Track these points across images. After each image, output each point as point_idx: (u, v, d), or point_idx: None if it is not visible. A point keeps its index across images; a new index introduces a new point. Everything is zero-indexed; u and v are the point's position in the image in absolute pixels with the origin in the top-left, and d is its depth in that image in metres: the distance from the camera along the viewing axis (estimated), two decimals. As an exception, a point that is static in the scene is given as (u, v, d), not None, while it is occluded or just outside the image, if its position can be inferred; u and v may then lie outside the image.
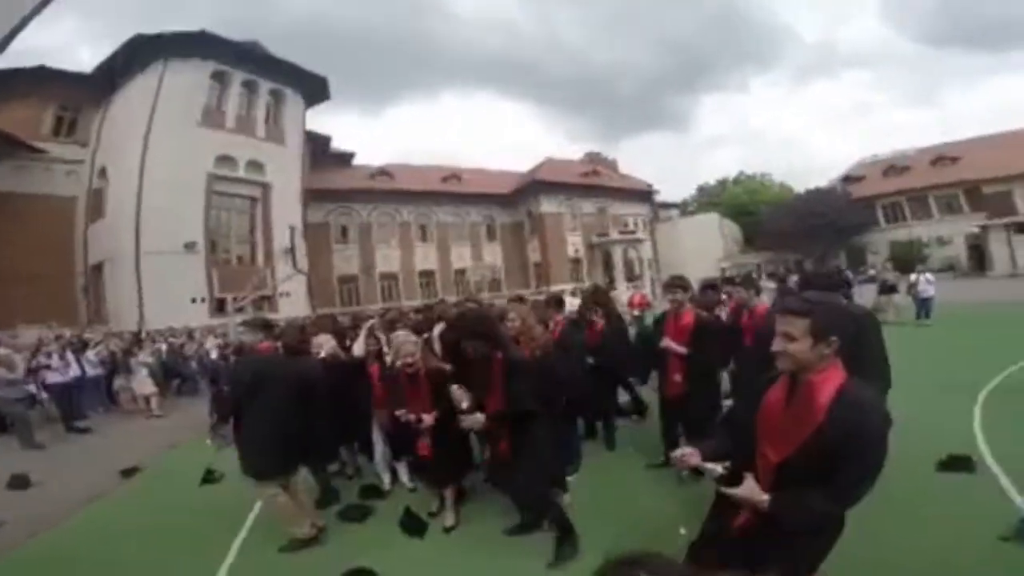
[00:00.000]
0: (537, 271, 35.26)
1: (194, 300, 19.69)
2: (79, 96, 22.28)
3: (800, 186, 39.51)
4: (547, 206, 34.88)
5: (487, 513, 3.59)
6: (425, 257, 32.83)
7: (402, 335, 3.75)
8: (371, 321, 4.89)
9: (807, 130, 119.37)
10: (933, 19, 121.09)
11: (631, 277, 34.67)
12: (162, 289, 19.14)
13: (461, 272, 33.85)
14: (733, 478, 1.59)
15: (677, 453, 1.79)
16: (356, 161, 34.91)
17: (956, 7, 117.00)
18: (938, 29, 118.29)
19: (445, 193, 33.94)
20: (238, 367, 4.25)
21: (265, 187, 24.35)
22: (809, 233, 31.08)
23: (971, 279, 25.98)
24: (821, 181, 38.60)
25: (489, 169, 38.99)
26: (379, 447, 4.36)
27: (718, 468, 1.65)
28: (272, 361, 3.55)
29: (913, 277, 11.97)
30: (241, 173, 23.41)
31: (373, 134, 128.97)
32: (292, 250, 16.24)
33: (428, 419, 3.35)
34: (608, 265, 35.60)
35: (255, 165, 23.95)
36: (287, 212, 24.60)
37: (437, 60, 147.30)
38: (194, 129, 21.65)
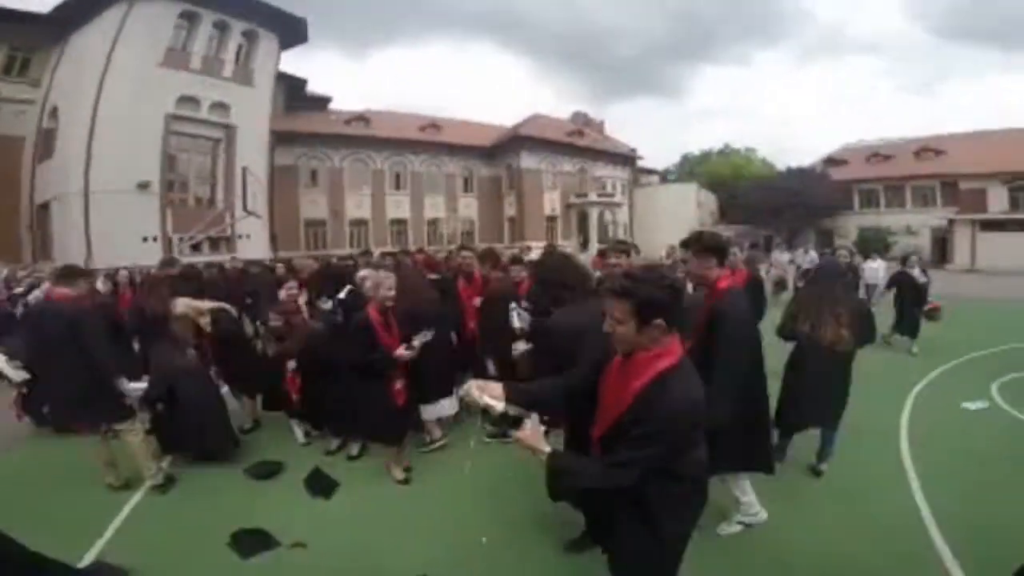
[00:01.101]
0: (512, 226, 35.20)
1: (145, 239, 19.58)
2: (33, 36, 21.37)
3: (785, 164, 39.10)
4: (527, 162, 34.40)
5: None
6: (398, 205, 32.52)
7: (381, 272, 3.78)
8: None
9: (802, 110, 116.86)
10: (951, 11, 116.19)
11: (605, 240, 34.76)
12: (112, 228, 18.87)
13: (434, 222, 33.74)
14: (517, 423, 1.56)
15: (470, 386, 1.71)
16: (334, 106, 33.86)
17: (976, 4, 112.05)
18: (953, 22, 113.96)
19: (422, 142, 33.24)
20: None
21: (229, 128, 23.73)
22: (781, 210, 31.10)
23: (932, 271, 26.38)
24: (806, 161, 38.18)
25: (471, 121, 38.07)
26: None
27: (498, 406, 1.61)
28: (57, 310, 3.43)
29: (857, 261, 12.31)
30: (204, 114, 22.79)
31: (356, 79, 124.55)
32: (244, 191, 16.03)
33: (404, 352, 3.34)
34: (583, 226, 35.62)
35: (220, 107, 23.28)
36: (253, 154, 24.06)
37: (432, 3, 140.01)
38: (155, 69, 20.91)
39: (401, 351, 3.35)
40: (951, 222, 28.32)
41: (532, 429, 1.54)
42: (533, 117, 37.37)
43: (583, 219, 35.63)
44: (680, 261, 5.93)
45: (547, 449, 1.52)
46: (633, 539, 1.61)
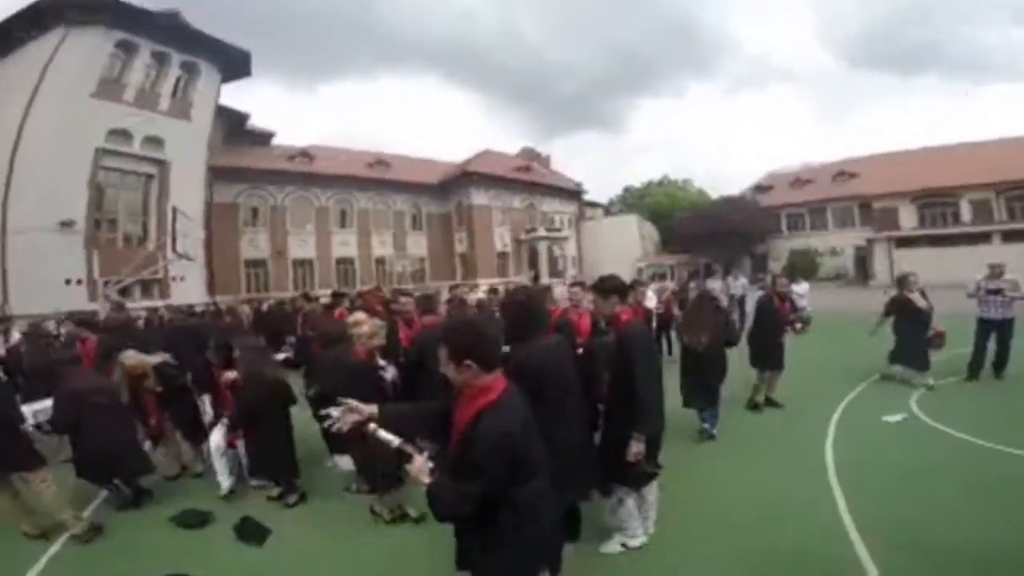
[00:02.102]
0: (463, 263, 35.18)
1: (69, 282, 18.12)
2: (-41, 63, 19.85)
3: (719, 193, 41.50)
4: (477, 198, 34.75)
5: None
6: (344, 244, 31.83)
7: (376, 321, 3.78)
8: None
9: (734, 139, 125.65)
10: (858, 43, 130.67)
11: (555, 274, 35.29)
12: (31, 270, 17.47)
13: (382, 261, 33.21)
14: (407, 457, 1.69)
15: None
16: (278, 141, 33.28)
17: (876, 31, 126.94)
18: (858, 50, 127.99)
19: (369, 179, 33.01)
20: None
21: (163, 164, 22.68)
22: (718, 238, 32.75)
23: (855, 288, 28.29)
24: (738, 189, 40.68)
25: (419, 157, 38.34)
26: (216, 439, 4.06)
27: (395, 441, 1.74)
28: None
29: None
30: (136, 148, 21.67)
31: (302, 114, 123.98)
32: (173, 233, 15.15)
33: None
34: (534, 261, 36.08)
35: (154, 141, 22.22)
36: (189, 191, 23.02)
37: (381, 39, 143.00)
38: (85, 101, 19.81)
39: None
40: (869, 241, 30.68)
41: (419, 462, 1.66)
42: (482, 153, 38.06)
43: (533, 254, 36.12)
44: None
45: (426, 480, 1.63)
46: (485, 565, 1.71)
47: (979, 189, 28.52)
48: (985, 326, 6.46)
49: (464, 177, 34.75)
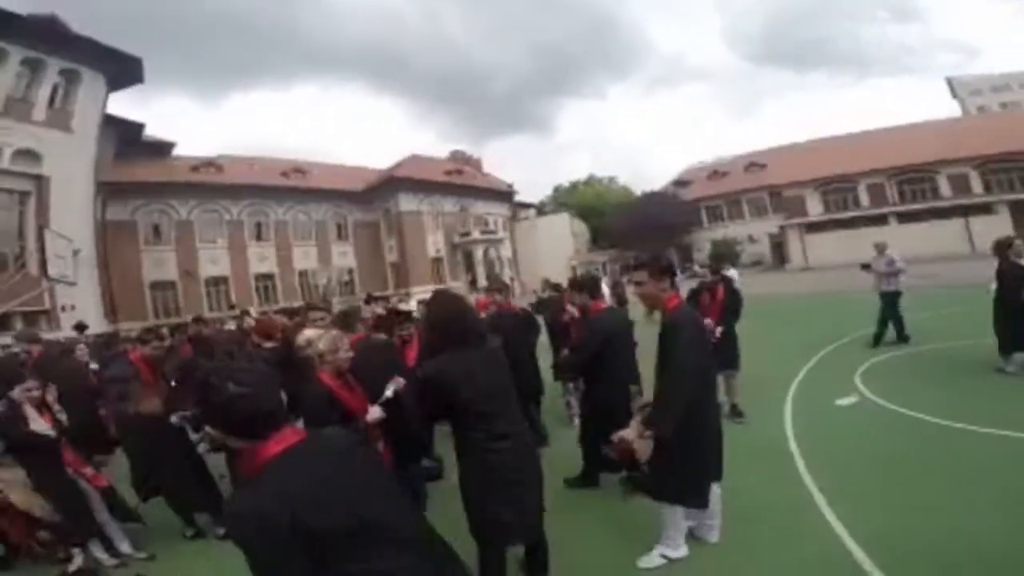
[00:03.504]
0: (395, 272, 33.87)
1: None
2: None
3: (642, 189, 42.89)
4: (407, 204, 33.62)
5: None
6: (262, 259, 29.62)
7: (334, 332, 2.93)
8: None
9: (651, 137, 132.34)
10: (757, 40, 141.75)
11: (492, 276, 34.84)
12: None
13: (305, 274, 31.22)
14: None
15: None
16: (182, 152, 30.47)
17: (774, 30, 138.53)
18: (761, 50, 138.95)
19: (285, 188, 31.02)
20: None
21: (41, 180, 20.00)
22: (645, 232, 33.71)
23: (773, 273, 30.05)
24: (659, 184, 42.22)
25: (340, 164, 36.67)
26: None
27: None
28: None
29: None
30: (6, 163, 19.02)
31: (214, 125, 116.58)
32: (43, 255, 13.09)
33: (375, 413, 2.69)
34: (470, 265, 35.44)
35: (28, 155, 19.63)
36: (74, 208, 20.47)
37: (299, 43, 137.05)
38: None
39: (374, 412, 2.70)
40: (782, 228, 32.77)
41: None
42: (410, 158, 36.99)
43: (469, 258, 35.51)
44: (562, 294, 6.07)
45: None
46: None
47: (873, 175, 31.29)
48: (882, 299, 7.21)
49: (391, 183, 33.52)
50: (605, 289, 8.23)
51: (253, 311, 9.19)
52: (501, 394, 2.27)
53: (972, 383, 5.04)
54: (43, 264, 12.79)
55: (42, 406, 3.36)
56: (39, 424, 3.26)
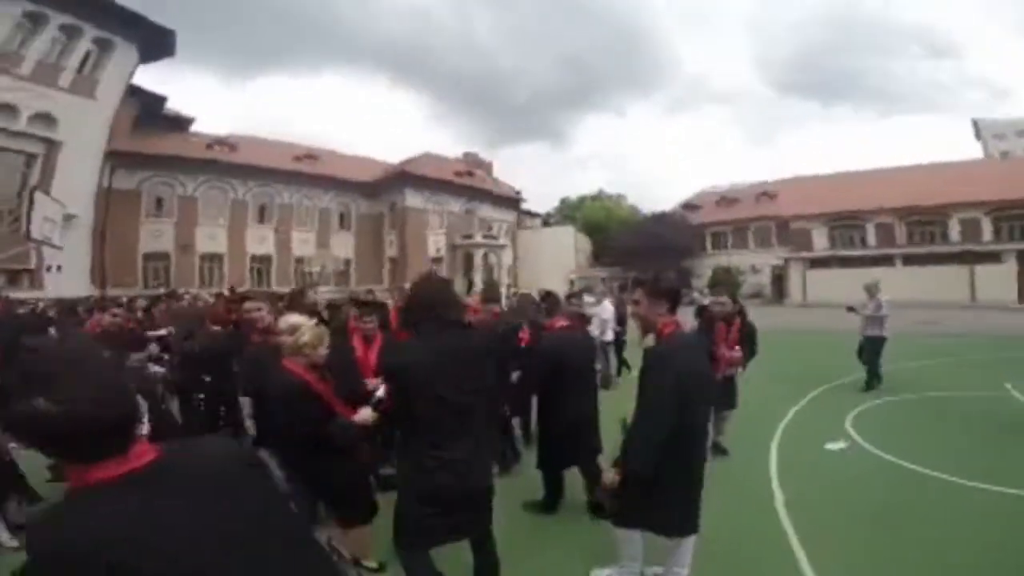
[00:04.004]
0: (393, 267, 33.60)
1: None
2: None
3: (649, 210, 42.70)
4: (412, 200, 33.43)
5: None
6: (261, 240, 29.41)
7: (297, 316, 2.72)
8: None
9: (667, 158, 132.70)
10: (788, 69, 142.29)
11: (489, 281, 34.59)
12: None
13: (302, 260, 30.99)
14: None
15: None
16: (205, 129, 30.46)
17: (804, 59, 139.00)
18: (788, 78, 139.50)
19: (294, 172, 30.85)
20: None
21: (52, 144, 20.10)
22: (647, 253, 33.48)
23: (772, 307, 29.68)
24: (667, 207, 42.00)
25: (353, 154, 36.49)
26: None
27: None
28: None
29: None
30: (22, 125, 19.30)
31: (239, 106, 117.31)
32: (29, 216, 12.89)
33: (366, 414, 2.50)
34: (468, 267, 35.19)
35: (45, 118, 19.88)
36: (80, 174, 20.62)
37: (333, 34, 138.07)
38: None
39: (364, 413, 2.50)
40: (786, 261, 32.52)
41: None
42: (423, 155, 36.80)
43: (468, 260, 35.25)
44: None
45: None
46: None
47: (883, 214, 31.06)
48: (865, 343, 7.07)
49: (400, 177, 33.37)
50: (607, 306, 7.97)
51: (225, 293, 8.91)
52: (467, 398, 1.99)
53: (968, 436, 4.82)
54: (28, 224, 12.58)
55: None
56: None
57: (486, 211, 38.20)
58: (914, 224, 30.53)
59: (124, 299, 6.88)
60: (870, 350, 6.96)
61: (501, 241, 37.48)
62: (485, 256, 35.50)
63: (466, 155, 42.38)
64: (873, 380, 6.92)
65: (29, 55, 19.47)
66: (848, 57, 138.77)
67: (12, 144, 19.36)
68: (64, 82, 20.51)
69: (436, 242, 34.62)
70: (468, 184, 37.24)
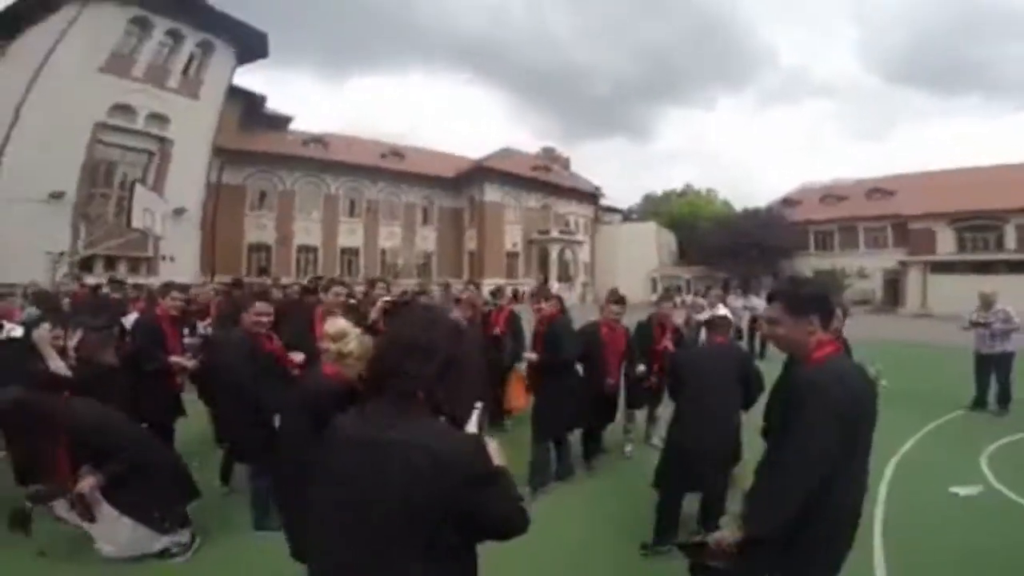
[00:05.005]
0: (471, 261, 34.20)
1: (50, 253, 17.69)
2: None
3: (743, 206, 39.54)
4: (491, 195, 33.81)
5: None
6: (351, 233, 31.21)
7: (345, 323, 2.46)
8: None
9: (762, 153, 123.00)
10: (901, 59, 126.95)
11: (565, 278, 34.10)
12: (20, 240, 17.05)
13: (388, 253, 32.41)
14: None
15: None
16: (298, 127, 32.73)
17: (923, 49, 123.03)
18: (902, 69, 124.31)
19: (382, 169, 32.33)
20: None
21: (165, 142, 22.42)
22: (738, 252, 31.11)
23: (884, 315, 26.38)
24: (762, 204, 38.71)
25: (436, 150, 37.53)
26: None
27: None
28: None
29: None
30: (140, 125, 21.59)
31: (331, 104, 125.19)
32: (130, 207, 14.31)
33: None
34: (544, 263, 34.93)
35: (158, 118, 22.09)
36: (190, 171, 22.76)
37: (417, 33, 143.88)
38: (92, 75, 19.81)
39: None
40: (903, 264, 28.77)
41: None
42: (502, 150, 37.07)
43: (544, 256, 34.98)
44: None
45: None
46: None
47: (1025, 214, 26.47)
48: (981, 361, 6.17)
49: (479, 172, 33.83)
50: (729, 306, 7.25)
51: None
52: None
53: None
54: (129, 214, 14.03)
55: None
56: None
57: (563, 206, 37.65)
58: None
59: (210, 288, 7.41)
60: (1003, 368, 6.01)
61: (578, 237, 36.78)
62: (561, 252, 35.04)
63: (544, 150, 42.03)
64: (1008, 402, 6.00)
65: (140, 59, 21.43)
66: (973, 45, 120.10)
67: (134, 143, 21.66)
68: (172, 83, 22.57)
69: (513, 237, 34.72)
70: (544, 179, 36.90)
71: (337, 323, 2.42)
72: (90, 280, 11.25)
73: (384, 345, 1.31)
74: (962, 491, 3.71)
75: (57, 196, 18.43)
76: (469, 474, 1.08)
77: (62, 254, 14.77)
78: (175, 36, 22.68)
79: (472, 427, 1.43)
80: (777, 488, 1.60)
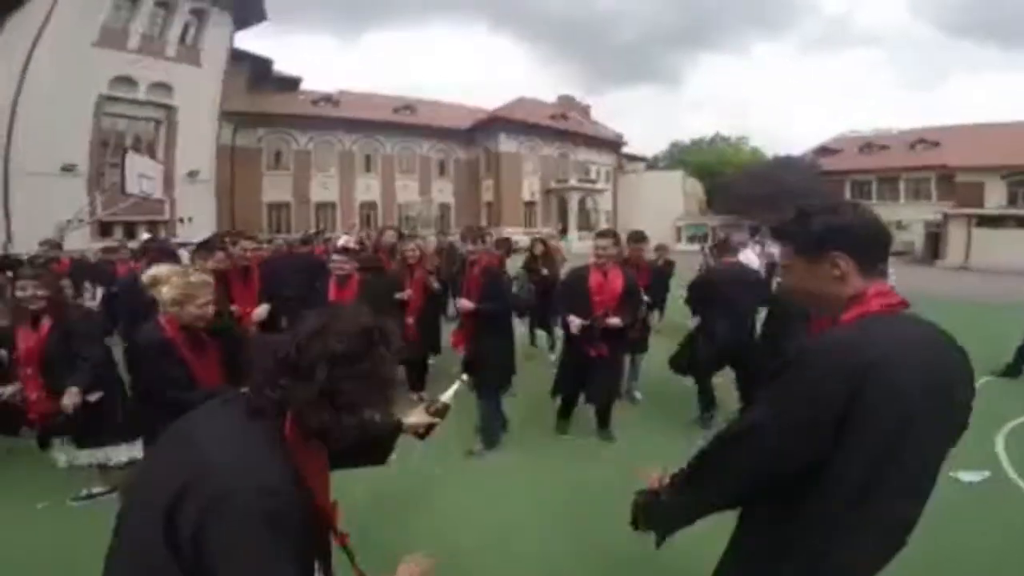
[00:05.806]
0: (489, 211, 33.75)
1: (69, 222, 18.21)
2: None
3: (775, 154, 37.38)
4: (506, 145, 32.90)
5: None
6: (367, 188, 31.21)
7: (165, 268, 2.45)
8: None
9: (799, 102, 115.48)
10: (957, 6, 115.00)
11: (586, 227, 33.38)
12: (35, 212, 17.50)
13: (405, 206, 32.27)
14: None
15: None
16: (308, 87, 32.21)
17: None
18: (956, 18, 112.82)
19: (395, 124, 31.79)
20: None
21: (171, 110, 22.61)
22: (766, 200, 29.66)
23: (923, 268, 25.17)
24: (797, 152, 36.53)
25: (449, 102, 36.38)
26: None
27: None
28: None
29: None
30: (142, 95, 21.81)
31: (346, 61, 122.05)
32: (123, 173, 14.33)
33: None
34: (563, 212, 34.24)
35: (161, 87, 22.28)
36: (200, 135, 23.06)
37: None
38: (87, 50, 19.92)
39: None
40: (946, 217, 27.16)
41: None
42: (517, 100, 35.74)
43: (563, 205, 34.22)
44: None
45: None
46: None
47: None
48: None
49: (494, 122, 32.85)
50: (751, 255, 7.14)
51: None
52: None
53: None
54: (123, 181, 14.08)
55: None
56: None
57: (582, 154, 36.44)
58: None
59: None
60: None
61: (599, 185, 35.73)
62: (581, 201, 34.20)
63: (561, 98, 40.18)
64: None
65: (133, 30, 21.40)
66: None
67: (139, 112, 21.99)
68: (170, 52, 22.59)
69: (530, 186, 34.00)
70: (562, 128, 35.53)
71: (154, 270, 2.32)
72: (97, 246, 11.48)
73: (258, 351, 1.03)
74: (966, 477, 3.39)
75: (69, 169, 19.05)
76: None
77: (69, 221, 14.97)
78: (165, 7, 22.42)
79: (447, 398, 1.61)
80: (711, 459, 1.19)
